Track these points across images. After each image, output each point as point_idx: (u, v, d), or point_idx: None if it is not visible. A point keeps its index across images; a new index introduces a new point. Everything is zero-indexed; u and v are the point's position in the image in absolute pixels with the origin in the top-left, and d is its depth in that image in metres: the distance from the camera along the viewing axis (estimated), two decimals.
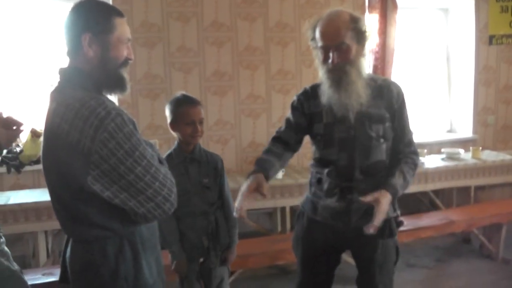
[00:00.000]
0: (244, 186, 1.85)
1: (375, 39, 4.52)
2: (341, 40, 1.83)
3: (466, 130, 5.13)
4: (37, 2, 3.99)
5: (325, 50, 1.87)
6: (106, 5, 1.51)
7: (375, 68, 4.56)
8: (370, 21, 4.50)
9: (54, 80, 1.50)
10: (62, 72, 1.48)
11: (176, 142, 2.32)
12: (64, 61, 1.50)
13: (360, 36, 1.87)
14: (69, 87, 1.43)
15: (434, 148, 4.75)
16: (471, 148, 4.42)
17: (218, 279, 2.38)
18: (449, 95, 5.28)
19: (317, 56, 1.95)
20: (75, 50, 1.46)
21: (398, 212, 2.05)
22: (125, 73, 1.53)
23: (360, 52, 1.90)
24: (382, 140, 1.94)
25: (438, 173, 4.05)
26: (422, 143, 4.71)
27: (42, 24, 4.03)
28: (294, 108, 2.10)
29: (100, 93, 1.49)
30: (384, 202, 1.81)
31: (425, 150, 4.34)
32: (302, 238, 2.13)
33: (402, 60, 4.95)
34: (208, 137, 4.15)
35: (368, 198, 1.82)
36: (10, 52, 4.00)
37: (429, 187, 4.06)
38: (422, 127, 5.16)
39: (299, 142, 2.12)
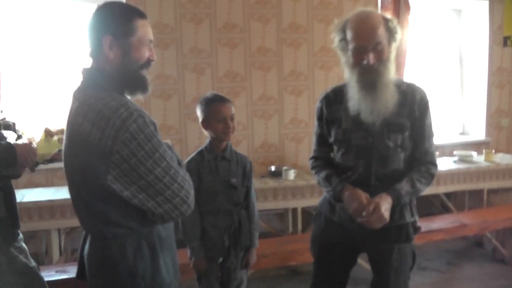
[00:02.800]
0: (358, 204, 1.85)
1: None
2: (378, 39, 1.79)
3: (479, 132, 5.10)
4: (62, 4, 4.04)
5: (360, 51, 1.81)
6: (128, 7, 1.53)
7: None
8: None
9: (74, 80, 1.53)
10: (85, 72, 1.50)
11: (207, 140, 2.35)
12: (87, 62, 1.53)
13: (391, 36, 1.84)
14: (91, 88, 1.45)
15: (447, 150, 4.72)
16: (484, 150, 4.39)
17: (237, 282, 2.39)
18: (461, 97, 5.25)
19: (347, 58, 1.89)
20: (96, 51, 1.48)
21: (416, 217, 2.03)
22: (147, 74, 1.55)
23: (391, 54, 1.86)
24: (400, 149, 1.92)
25: (450, 175, 4.03)
26: (434, 145, 4.69)
27: (65, 25, 4.09)
28: (318, 118, 2.09)
29: (122, 94, 1.51)
30: (381, 205, 1.79)
31: (437, 153, 4.31)
32: (319, 238, 2.13)
33: (414, 62, 4.93)
34: None
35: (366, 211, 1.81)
36: (29, 52, 4.05)
37: (441, 189, 4.04)
38: (434, 129, 5.13)
39: (331, 152, 2.12)
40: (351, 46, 1.84)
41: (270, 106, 4.33)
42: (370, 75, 1.82)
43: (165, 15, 4.02)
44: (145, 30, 1.51)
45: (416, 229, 2.03)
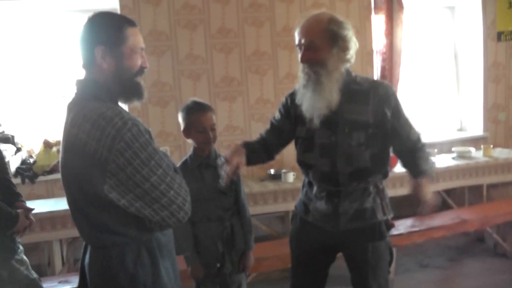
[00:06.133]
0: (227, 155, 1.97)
1: (382, 40, 4.53)
2: (310, 39, 1.83)
3: (476, 128, 5.11)
4: (58, 16, 4.08)
5: (299, 47, 1.89)
6: (117, 16, 1.54)
7: (383, 69, 4.56)
8: (377, 22, 4.51)
9: (70, 92, 1.54)
10: (79, 83, 1.52)
11: (191, 148, 2.34)
12: (81, 73, 1.54)
13: (336, 39, 1.84)
14: (85, 99, 1.46)
15: (445, 147, 4.73)
16: (482, 146, 4.40)
17: (235, 285, 2.38)
18: (458, 93, 5.26)
19: None
20: (89, 62, 1.49)
21: (390, 215, 2.07)
22: (141, 80, 1.56)
23: (339, 56, 1.86)
24: (364, 147, 1.91)
25: (449, 172, 4.04)
26: (432, 142, 4.70)
27: (59, 36, 4.11)
28: (280, 109, 2.14)
29: (116, 103, 1.52)
30: (423, 188, 1.88)
31: (436, 150, 4.33)
32: (295, 238, 2.17)
33: (409, 60, 4.95)
34: (219, 142, 4.12)
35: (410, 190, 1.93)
36: (26, 64, 4.07)
37: (441, 186, 4.05)
38: (431, 126, 5.15)
39: (279, 147, 2.20)
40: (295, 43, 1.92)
41: (268, 109, 4.34)
42: (306, 72, 1.88)
43: (159, 23, 4.03)
44: (136, 38, 1.52)
45: (389, 226, 2.06)
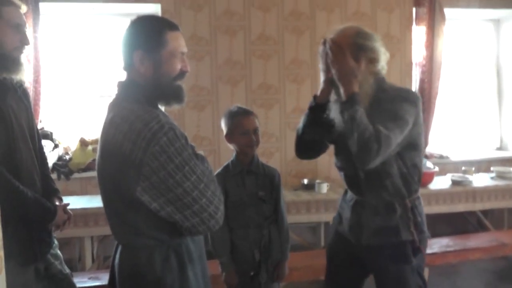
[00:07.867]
0: None
1: (422, 51, 4.45)
2: None
3: None
4: (100, 18, 4.19)
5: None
6: (159, 20, 1.55)
7: (422, 81, 4.48)
8: (417, 34, 4.43)
9: (109, 92, 1.56)
10: (120, 85, 1.54)
11: (234, 154, 2.34)
12: (122, 75, 1.56)
13: (364, 51, 1.79)
14: (125, 100, 1.48)
15: (483, 166, 4.58)
16: None
17: None
18: (499, 110, 5.10)
19: None
20: (129, 65, 1.51)
21: (416, 237, 1.88)
22: (182, 84, 1.56)
23: (368, 68, 1.81)
24: None
25: (487, 192, 3.90)
26: (470, 160, 4.57)
27: (102, 39, 4.21)
28: None
29: (155, 106, 1.53)
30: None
31: (473, 168, 4.20)
32: (329, 249, 2.17)
33: (450, 74, 4.83)
34: None
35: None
36: (67, 64, 4.18)
37: (478, 207, 3.91)
38: (469, 143, 5.01)
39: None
40: None
41: None
42: (335, 87, 1.84)
43: (200, 28, 4.06)
44: (177, 42, 1.52)
45: (416, 250, 1.88)
